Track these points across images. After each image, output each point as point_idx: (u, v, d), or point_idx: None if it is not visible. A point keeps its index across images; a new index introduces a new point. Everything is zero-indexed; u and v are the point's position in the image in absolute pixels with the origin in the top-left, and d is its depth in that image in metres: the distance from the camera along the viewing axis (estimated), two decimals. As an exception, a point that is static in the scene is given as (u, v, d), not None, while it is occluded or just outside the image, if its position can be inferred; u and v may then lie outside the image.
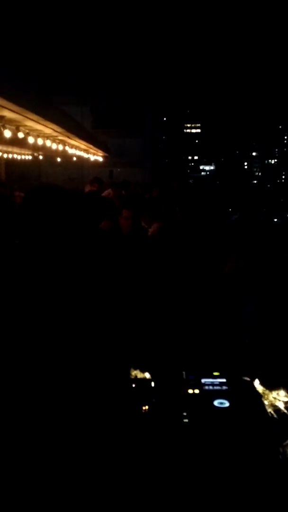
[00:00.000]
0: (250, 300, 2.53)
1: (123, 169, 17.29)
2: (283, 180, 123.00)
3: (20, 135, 6.75)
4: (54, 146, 8.80)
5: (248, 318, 2.47)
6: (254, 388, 1.85)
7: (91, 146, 11.78)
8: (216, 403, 1.71)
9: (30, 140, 7.22)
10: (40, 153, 12.03)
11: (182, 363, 1.97)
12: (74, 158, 12.50)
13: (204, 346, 2.28)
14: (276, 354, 2.32)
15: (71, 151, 10.74)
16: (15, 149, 11.32)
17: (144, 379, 1.93)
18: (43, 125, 6.91)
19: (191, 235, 4.35)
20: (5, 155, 11.69)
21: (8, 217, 4.02)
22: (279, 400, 1.84)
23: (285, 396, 1.85)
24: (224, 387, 1.80)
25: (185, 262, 3.34)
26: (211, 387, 1.80)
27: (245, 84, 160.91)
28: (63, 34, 16.93)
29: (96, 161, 15.08)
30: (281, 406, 1.81)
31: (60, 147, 9.21)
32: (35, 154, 12.29)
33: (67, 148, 10.07)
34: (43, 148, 8.86)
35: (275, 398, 1.85)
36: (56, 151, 9.62)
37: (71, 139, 9.41)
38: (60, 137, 8.80)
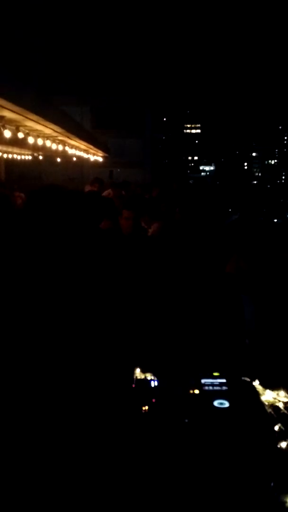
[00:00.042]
0: (250, 300, 2.53)
1: (123, 169, 17.30)
2: (283, 181, 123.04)
3: (20, 135, 6.75)
4: (54, 146, 8.80)
5: (248, 318, 2.47)
6: (254, 388, 1.84)
7: (91, 146, 11.78)
8: (216, 403, 1.71)
9: (30, 140, 7.22)
10: (40, 153, 12.01)
11: (182, 363, 1.97)
12: (74, 158, 12.50)
13: (204, 346, 2.28)
14: (276, 354, 2.32)
15: (71, 151, 10.74)
16: (15, 149, 11.31)
17: (144, 379, 1.93)
18: (43, 125, 6.91)
19: (191, 235, 4.35)
20: (5, 155, 11.68)
21: (8, 217, 4.02)
22: (279, 400, 1.84)
23: (285, 396, 1.85)
24: (224, 388, 1.79)
25: (185, 262, 3.34)
26: (211, 388, 1.80)
27: (245, 85, 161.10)
28: (63, 34, 16.95)
29: (96, 161, 15.09)
30: (281, 406, 1.81)
31: (60, 147, 9.21)
32: (35, 154, 12.28)
33: (67, 148, 10.07)
34: (43, 148, 8.86)
35: (275, 398, 1.84)
36: (56, 151, 9.62)
37: (71, 139, 9.41)
38: (60, 137, 8.80)
